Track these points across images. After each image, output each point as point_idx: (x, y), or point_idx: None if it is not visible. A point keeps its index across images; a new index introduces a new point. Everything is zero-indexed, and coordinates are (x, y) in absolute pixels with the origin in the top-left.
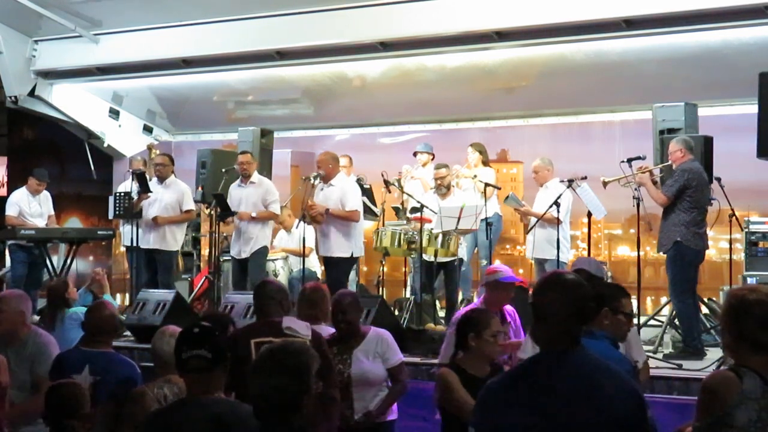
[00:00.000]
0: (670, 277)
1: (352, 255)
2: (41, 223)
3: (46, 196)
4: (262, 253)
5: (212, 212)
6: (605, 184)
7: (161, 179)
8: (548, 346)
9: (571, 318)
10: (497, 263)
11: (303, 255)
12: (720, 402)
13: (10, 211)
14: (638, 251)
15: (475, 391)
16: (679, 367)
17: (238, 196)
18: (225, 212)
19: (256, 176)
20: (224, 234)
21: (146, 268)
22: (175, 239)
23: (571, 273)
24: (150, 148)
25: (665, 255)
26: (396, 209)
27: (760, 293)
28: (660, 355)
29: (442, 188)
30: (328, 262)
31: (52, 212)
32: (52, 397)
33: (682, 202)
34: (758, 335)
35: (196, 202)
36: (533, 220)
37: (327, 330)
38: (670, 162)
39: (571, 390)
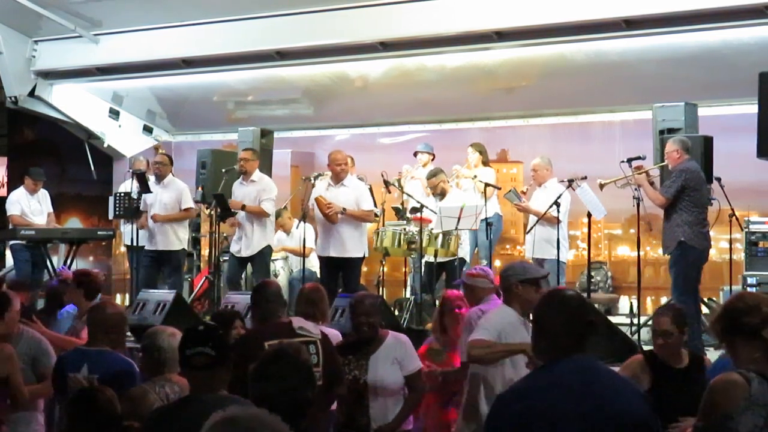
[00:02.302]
0: (673, 276)
1: (364, 255)
2: (42, 221)
3: (44, 194)
4: (266, 252)
5: (212, 212)
6: (602, 186)
7: (159, 178)
8: (553, 360)
9: (572, 334)
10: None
11: (303, 255)
12: (725, 405)
13: (14, 210)
14: (638, 251)
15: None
16: None
17: (240, 193)
18: (225, 212)
19: (257, 174)
20: (224, 234)
21: (151, 270)
22: (179, 239)
23: (572, 290)
24: (157, 148)
25: (668, 256)
26: (396, 209)
27: (756, 294)
28: None
29: (436, 195)
30: (342, 263)
31: (51, 210)
32: (84, 406)
33: (683, 202)
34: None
35: (196, 202)
36: (532, 220)
37: (328, 331)
38: (666, 162)
39: (583, 397)
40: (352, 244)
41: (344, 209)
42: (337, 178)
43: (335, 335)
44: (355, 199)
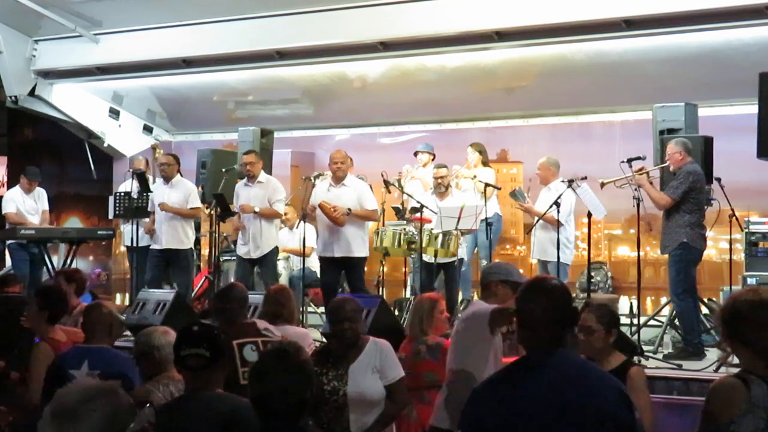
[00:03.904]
0: (672, 276)
1: (366, 255)
2: (36, 219)
3: (39, 192)
4: (274, 254)
5: (212, 212)
6: (602, 185)
7: (167, 179)
8: (533, 351)
9: (555, 323)
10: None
11: (303, 254)
12: (726, 410)
13: (9, 208)
14: (638, 251)
15: None
16: (679, 367)
17: (245, 195)
18: (225, 212)
19: (263, 175)
20: (224, 234)
21: (158, 270)
22: (187, 237)
23: (555, 278)
24: (155, 148)
25: (667, 256)
26: (396, 209)
27: (756, 295)
28: (660, 355)
29: (441, 187)
30: (346, 262)
31: (47, 207)
32: None
33: (687, 204)
34: (752, 338)
35: None
36: (534, 220)
37: (297, 330)
38: (668, 163)
39: (559, 391)
40: (357, 243)
41: (349, 210)
42: (337, 178)
43: (303, 334)
44: (358, 199)
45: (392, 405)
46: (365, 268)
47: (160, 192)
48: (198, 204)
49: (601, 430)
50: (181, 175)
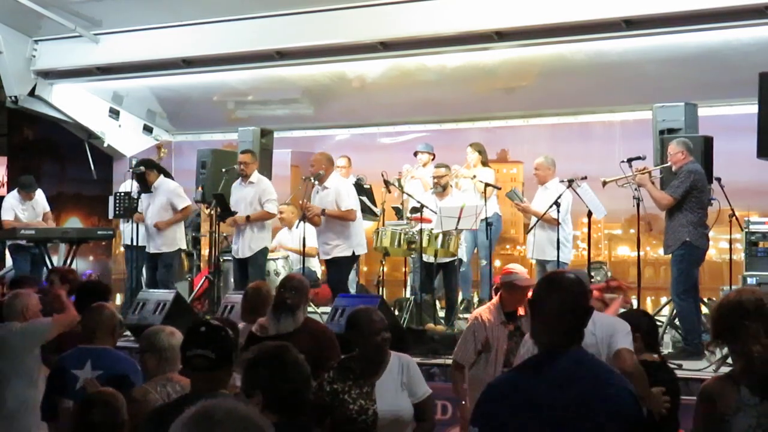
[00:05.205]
0: (674, 275)
1: (353, 254)
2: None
3: (38, 195)
4: (263, 253)
5: (212, 212)
6: (604, 184)
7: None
8: (548, 345)
9: (571, 317)
10: (514, 264)
11: (303, 254)
12: (718, 409)
13: (7, 216)
14: (638, 251)
15: None
16: (679, 367)
17: (237, 196)
18: (225, 212)
19: (255, 175)
20: (224, 234)
21: (149, 271)
22: (176, 240)
23: (571, 272)
24: (159, 147)
25: (668, 256)
26: (396, 209)
27: (742, 295)
28: None
29: (439, 187)
30: (330, 263)
31: (47, 209)
32: (85, 416)
33: (689, 203)
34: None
35: (196, 202)
36: (533, 220)
37: None
38: (669, 164)
39: (572, 388)
40: (336, 244)
41: (323, 210)
42: (319, 180)
43: None
44: (335, 200)
45: (424, 425)
46: (363, 268)
47: (145, 197)
48: (184, 203)
49: (612, 427)
50: (164, 176)
